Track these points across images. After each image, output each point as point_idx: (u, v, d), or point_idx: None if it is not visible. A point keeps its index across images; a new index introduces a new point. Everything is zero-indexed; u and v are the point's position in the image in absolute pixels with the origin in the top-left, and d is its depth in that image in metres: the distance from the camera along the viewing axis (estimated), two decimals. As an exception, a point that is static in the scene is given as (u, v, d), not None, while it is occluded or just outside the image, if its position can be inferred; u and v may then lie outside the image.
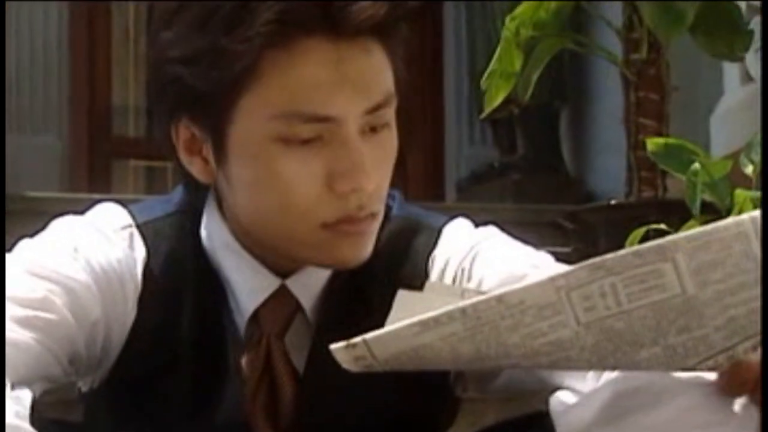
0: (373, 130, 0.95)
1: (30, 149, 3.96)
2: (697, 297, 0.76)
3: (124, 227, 1.04)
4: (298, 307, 1.02)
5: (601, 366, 0.82)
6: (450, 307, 0.77)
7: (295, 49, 0.90)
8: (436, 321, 0.78)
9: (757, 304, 0.76)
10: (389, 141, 0.97)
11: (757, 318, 0.77)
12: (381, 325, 0.97)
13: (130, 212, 1.05)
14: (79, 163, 4.33)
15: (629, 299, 0.76)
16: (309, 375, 1.01)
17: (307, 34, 0.90)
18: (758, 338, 0.78)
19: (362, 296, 1.02)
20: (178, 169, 1.01)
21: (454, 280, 1.02)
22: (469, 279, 1.01)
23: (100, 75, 4.46)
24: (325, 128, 0.92)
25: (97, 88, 4.44)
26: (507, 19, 2.33)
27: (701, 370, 0.80)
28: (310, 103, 0.91)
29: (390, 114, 0.96)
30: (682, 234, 0.75)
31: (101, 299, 0.99)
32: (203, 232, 1.04)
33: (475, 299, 0.77)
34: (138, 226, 1.04)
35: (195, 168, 0.99)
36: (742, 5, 2.44)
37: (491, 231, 1.06)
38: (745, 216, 0.74)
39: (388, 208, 1.05)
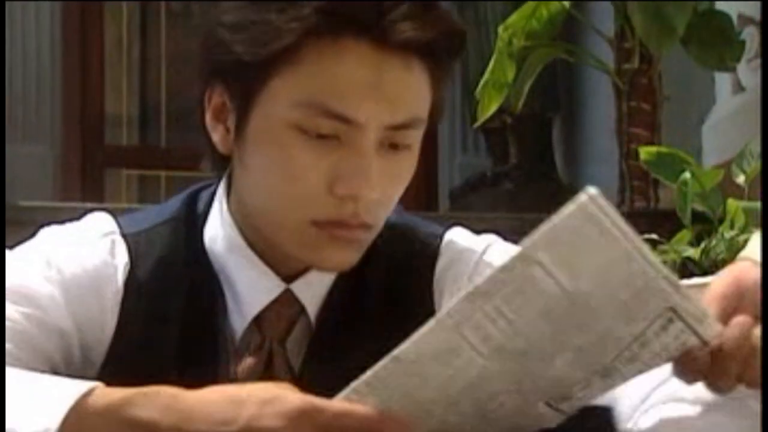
0: (394, 146, 0.95)
1: (22, 158, 3.95)
2: (578, 290, 0.73)
3: (106, 234, 1.04)
4: (301, 311, 1.02)
5: (529, 388, 0.79)
6: (356, 383, 0.76)
7: (339, 44, 0.91)
8: (357, 393, 0.76)
9: (642, 280, 0.73)
10: (407, 162, 0.96)
11: (654, 294, 0.74)
12: (375, 330, 0.98)
13: (117, 221, 1.06)
14: (71, 172, 4.32)
15: (517, 315, 0.74)
16: (305, 379, 1.01)
17: (353, 34, 0.91)
18: (670, 315, 0.75)
19: (360, 303, 1.03)
20: (202, 135, 1.02)
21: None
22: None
23: (93, 84, 4.46)
24: (343, 129, 0.92)
25: (90, 97, 4.43)
26: (500, 29, 2.34)
27: (625, 366, 0.78)
28: (337, 100, 0.91)
29: (414, 137, 0.95)
30: (536, 232, 0.72)
31: (70, 309, 0.99)
32: (207, 235, 1.04)
33: (374, 368, 0.75)
34: (123, 234, 1.04)
35: (217, 134, 0.99)
36: (734, 16, 2.45)
37: (493, 238, 1.07)
38: (583, 196, 0.71)
39: None
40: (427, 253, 1.05)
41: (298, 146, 0.93)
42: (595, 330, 0.75)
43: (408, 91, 0.93)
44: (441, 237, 1.07)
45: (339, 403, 0.78)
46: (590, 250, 0.72)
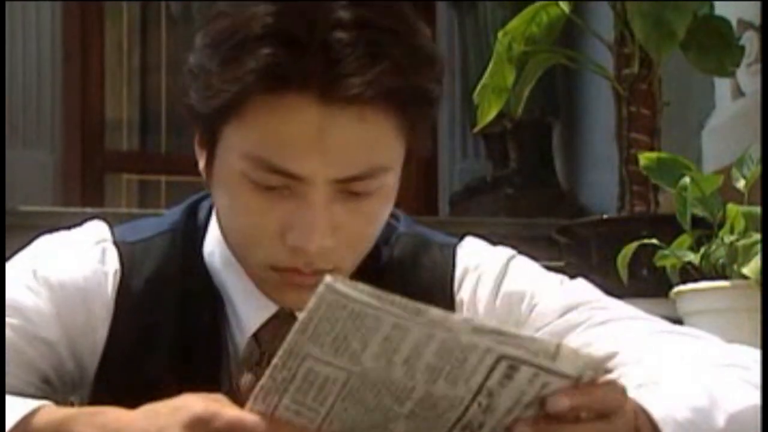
0: (355, 194, 0.92)
1: (23, 163, 3.96)
2: (367, 368, 0.73)
3: (98, 242, 1.03)
4: None
5: None
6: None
7: (283, 99, 0.88)
8: (264, 389, 0.77)
9: (438, 340, 0.72)
10: (371, 208, 0.93)
11: (468, 349, 0.73)
12: None
13: (112, 230, 1.05)
14: (71, 177, 4.33)
15: (319, 402, 0.75)
16: None
17: (297, 89, 0.88)
18: (509, 362, 0.73)
19: None
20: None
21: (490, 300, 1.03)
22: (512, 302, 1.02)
23: (93, 89, 4.46)
24: (291, 182, 0.91)
25: (90, 102, 4.44)
26: (499, 34, 2.34)
27: (486, 415, 0.76)
28: (280, 156, 0.90)
29: (376, 185, 0.92)
30: (294, 327, 0.73)
31: (59, 319, 0.99)
32: (206, 249, 1.04)
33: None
34: (115, 242, 1.03)
35: (201, 161, 0.99)
36: (734, 21, 2.46)
37: (511, 252, 1.07)
38: (320, 287, 0.71)
39: (392, 227, 1.05)
40: (444, 265, 1.05)
41: (249, 195, 0.92)
42: (417, 396, 0.75)
43: (361, 143, 0.90)
44: (456, 247, 1.06)
45: (234, 411, 0.78)
46: (355, 331, 0.72)
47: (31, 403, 0.85)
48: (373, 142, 0.90)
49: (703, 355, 0.96)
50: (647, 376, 0.94)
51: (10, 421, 0.83)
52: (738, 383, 0.91)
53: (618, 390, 0.79)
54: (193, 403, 0.79)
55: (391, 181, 0.94)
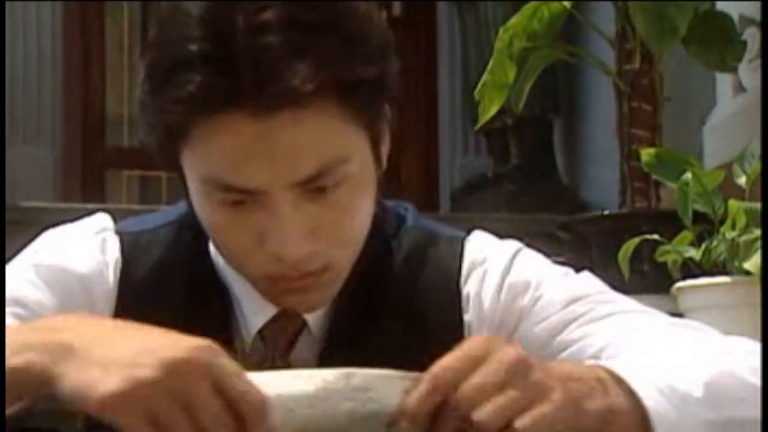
0: (322, 189, 0.90)
1: (23, 159, 3.96)
2: None
3: (98, 231, 1.03)
4: (303, 325, 1.01)
5: None
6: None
7: (219, 119, 0.87)
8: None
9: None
10: (343, 199, 0.91)
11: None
12: (393, 339, 0.97)
13: (114, 220, 1.05)
14: (72, 173, 4.33)
15: None
16: None
17: (232, 107, 0.87)
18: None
19: (374, 310, 1.02)
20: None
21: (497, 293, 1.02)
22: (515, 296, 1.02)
23: (94, 85, 4.46)
24: (249, 196, 0.90)
25: (91, 98, 4.44)
26: (500, 31, 2.34)
27: None
28: (229, 174, 0.89)
29: (338, 177, 0.90)
30: None
31: (59, 308, 0.98)
32: (212, 248, 1.03)
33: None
34: (117, 232, 1.03)
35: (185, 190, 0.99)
36: (735, 16, 2.45)
37: (518, 245, 1.07)
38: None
39: (401, 221, 1.05)
40: (451, 258, 1.04)
41: (220, 214, 0.92)
42: None
43: (306, 143, 0.88)
44: (464, 239, 1.06)
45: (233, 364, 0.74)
46: None
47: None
48: (318, 140, 0.88)
49: (697, 349, 0.96)
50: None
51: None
52: (724, 361, 0.90)
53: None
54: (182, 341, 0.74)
55: (355, 170, 0.91)
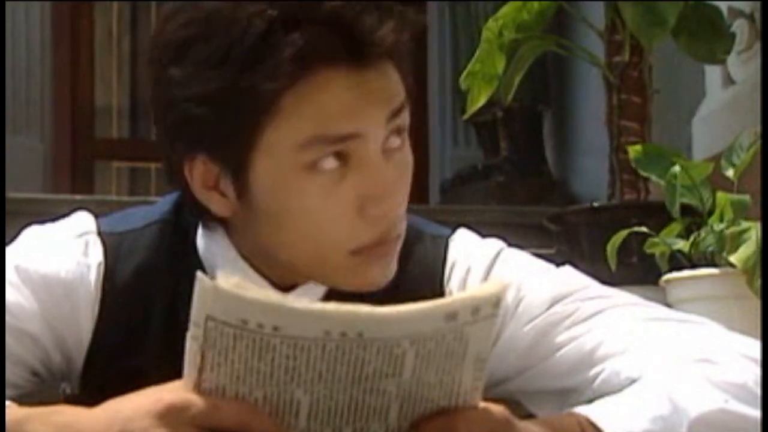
0: (390, 150, 0.94)
1: (12, 150, 3.94)
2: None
3: (81, 234, 1.03)
4: None
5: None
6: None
7: (317, 79, 0.90)
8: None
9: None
10: (407, 157, 0.97)
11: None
12: None
13: (98, 221, 1.04)
14: (61, 165, 4.32)
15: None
16: None
17: (328, 66, 0.90)
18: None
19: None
20: (189, 204, 0.99)
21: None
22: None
23: (83, 76, 4.45)
24: (349, 148, 0.92)
25: (80, 89, 4.43)
26: (489, 21, 2.34)
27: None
28: (334, 123, 0.91)
29: (406, 120, 0.96)
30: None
31: (43, 314, 0.99)
32: (200, 245, 1.03)
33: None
34: (99, 234, 1.03)
35: (213, 203, 0.97)
36: (724, 8, 2.46)
37: (501, 244, 1.07)
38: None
39: None
40: (435, 257, 1.05)
41: (312, 187, 0.92)
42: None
43: (390, 88, 0.94)
44: (448, 239, 1.07)
45: (209, 399, 0.78)
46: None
47: None
48: (394, 85, 0.95)
49: (682, 349, 0.97)
50: (629, 371, 0.96)
51: None
52: (705, 385, 0.91)
53: (494, 416, 0.80)
54: (163, 393, 0.79)
55: (407, 122, 0.97)
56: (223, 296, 0.73)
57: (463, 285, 1.03)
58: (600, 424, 0.86)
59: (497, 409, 0.81)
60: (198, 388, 0.77)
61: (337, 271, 0.96)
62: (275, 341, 0.74)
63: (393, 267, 0.97)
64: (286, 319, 0.73)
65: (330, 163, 0.92)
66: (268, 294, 0.74)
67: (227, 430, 0.77)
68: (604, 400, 0.91)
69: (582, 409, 0.89)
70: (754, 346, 0.98)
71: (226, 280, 0.74)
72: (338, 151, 0.91)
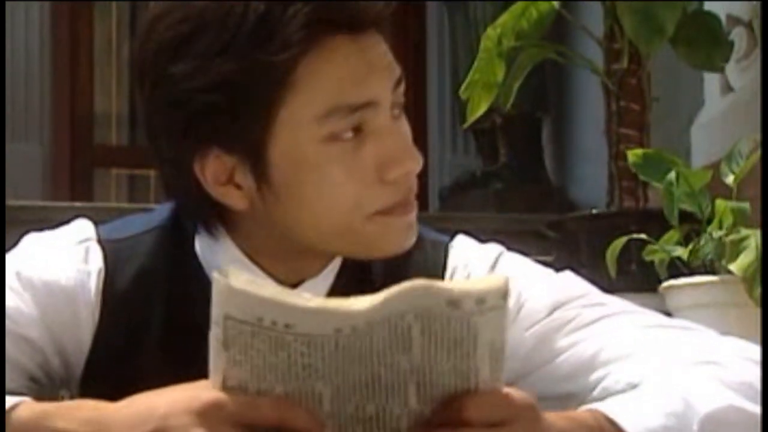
0: (394, 119, 0.97)
1: (11, 157, 3.94)
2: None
3: (81, 241, 1.03)
4: None
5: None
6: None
7: (324, 49, 0.92)
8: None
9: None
10: (407, 125, 0.99)
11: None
12: None
13: (97, 228, 1.04)
14: (61, 172, 4.32)
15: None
16: None
17: (332, 34, 0.93)
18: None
19: None
20: (193, 207, 1.00)
21: None
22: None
23: (82, 83, 4.45)
24: (365, 117, 0.94)
25: (79, 96, 4.43)
26: (488, 29, 2.34)
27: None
28: (349, 93, 0.93)
29: (403, 91, 0.98)
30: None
31: (43, 319, 0.99)
32: (199, 250, 1.02)
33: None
34: (99, 241, 1.03)
35: (229, 198, 0.97)
36: (723, 16, 2.46)
37: (500, 248, 1.08)
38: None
39: None
40: (434, 263, 1.05)
41: (333, 156, 0.93)
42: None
43: (388, 56, 0.97)
44: (447, 245, 1.07)
45: (248, 397, 0.78)
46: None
47: (10, 400, 0.85)
48: (391, 56, 0.98)
49: (685, 353, 0.97)
50: (630, 377, 0.96)
51: None
52: (713, 383, 0.92)
53: (515, 401, 0.80)
54: (200, 392, 0.79)
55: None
56: (237, 294, 0.74)
57: None
58: (618, 419, 0.86)
59: (519, 395, 0.80)
60: (223, 385, 0.78)
61: (361, 238, 0.97)
62: (289, 338, 0.75)
63: (415, 232, 0.99)
64: (296, 317, 0.74)
65: (347, 133, 0.94)
66: (279, 291, 0.75)
67: (263, 427, 0.77)
68: (618, 397, 0.91)
69: (596, 406, 0.89)
70: (753, 349, 0.99)
71: (237, 278, 0.75)
72: (353, 118, 0.93)
